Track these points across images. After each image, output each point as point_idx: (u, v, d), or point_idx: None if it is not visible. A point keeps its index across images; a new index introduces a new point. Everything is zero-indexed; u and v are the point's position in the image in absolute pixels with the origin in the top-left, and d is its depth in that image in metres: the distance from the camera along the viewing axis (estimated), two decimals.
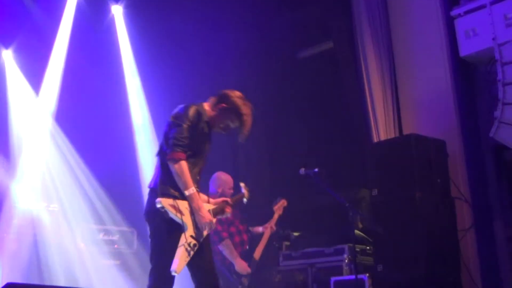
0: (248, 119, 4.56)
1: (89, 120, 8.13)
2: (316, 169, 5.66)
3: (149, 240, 4.39)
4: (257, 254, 6.64)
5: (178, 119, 4.39)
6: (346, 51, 7.82)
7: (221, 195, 6.08)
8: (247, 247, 6.64)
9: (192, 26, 8.72)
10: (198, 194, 4.42)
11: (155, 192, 4.38)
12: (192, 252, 4.26)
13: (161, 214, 4.25)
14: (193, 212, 4.32)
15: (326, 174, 5.88)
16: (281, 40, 9.06)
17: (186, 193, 4.27)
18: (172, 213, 4.24)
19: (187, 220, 4.30)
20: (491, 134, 6.53)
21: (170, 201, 4.26)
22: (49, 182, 7.90)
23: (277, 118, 9.19)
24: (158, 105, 8.55)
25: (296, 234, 7.92)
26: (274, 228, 6.84)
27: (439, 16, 7.08)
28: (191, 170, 4.34)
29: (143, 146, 8.67)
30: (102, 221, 7.78)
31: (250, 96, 9.51)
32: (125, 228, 7.75)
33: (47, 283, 6.72)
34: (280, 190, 8.69)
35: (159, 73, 8.70)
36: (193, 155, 4.39)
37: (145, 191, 8.42)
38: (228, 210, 4.77)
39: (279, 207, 6.95)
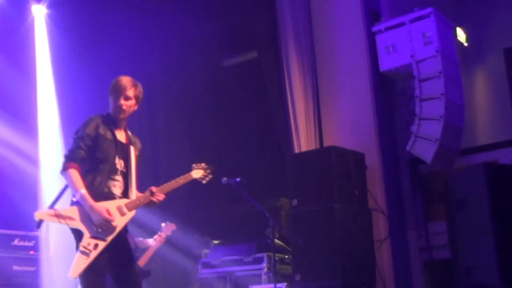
0: (122, 79, 4.65)
1: None
2: (238, 179, 5.68)
3: None
4: (141, 261, 6.77)
5: (75, 133, 4.60)
6: (270, 62, 7.88)
7: None
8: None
9: (116, 31, 8.60)
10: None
11: None
12: (93, 253, 4.26)
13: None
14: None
15: (247, 183, 5.91)
16: (205, 48, 9.07)
17: (77, 196, 4.36)
18: (57, 222, 4.31)
19: (78, 224, 4.34)
20: (407, 148, 6.74)
21: (50, 211, 4.35)
22: None
23: (200, 125, 9.19)
24: (71, 110, 8.32)
25: (215, 242, 7.93)
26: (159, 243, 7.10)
27: (361, 31, 7.24)
28: (97, 176, 4.48)
29: (46, 148, 8.36)
30: (17, 226, 7.56)
31: (173, 103, 9.51)
32: (40, 233, 7.55)
33: None
34: (200, 199, 8.70)
35: (77, 77, 8.51)
36: (100, 162, 4.51)
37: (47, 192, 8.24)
38: (156, 198, 4.65)
39: (168, 228, 7.16)
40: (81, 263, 4.21)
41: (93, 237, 4.30)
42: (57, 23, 8.55)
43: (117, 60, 8.62)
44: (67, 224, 4.28)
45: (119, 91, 4.59)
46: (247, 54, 9.09)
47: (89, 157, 4.49)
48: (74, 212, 4.36)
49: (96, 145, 4.49)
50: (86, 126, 4.52)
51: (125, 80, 4.64)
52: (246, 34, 8.78)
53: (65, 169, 4.42)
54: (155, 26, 8.59)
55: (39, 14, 8.58)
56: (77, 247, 4.30)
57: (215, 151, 8.96)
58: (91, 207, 4.31)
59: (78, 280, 4.26)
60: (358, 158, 6.64)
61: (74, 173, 4.38)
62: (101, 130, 4.54)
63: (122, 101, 4.58)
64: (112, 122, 4.64)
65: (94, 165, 4.49)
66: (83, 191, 4.34)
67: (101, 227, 4.32)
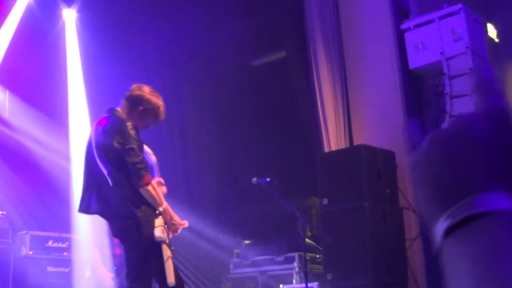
0: (163, 109, 4.56)
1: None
2: (268, 179, 5.70)
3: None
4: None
5: (125, 141, 4.25)
6: (298, 61, 7.90)
7: None
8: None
9: (145, 33, 8.68)
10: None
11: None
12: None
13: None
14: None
15: (277, 183, 5.93)
16: (234, 48, 9.09)
17: (160, 209, 4.26)
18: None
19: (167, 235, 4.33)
20: None
21: (161, 230, 4.25)
22: None
23: (229, 125, 9.22)
24: (102, 111, 8.38)
25: (247, 242, 7.96)
26: None
27: (390, 29, 7.21)
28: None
29: (78, 150, 8.41)
30: (50, 228, 7.67)
31: (202, 103, 9.55)
32: (74, 235, 7.65)
33: None
34: (231, 199, 8.73)
35: (107, 78, 8.59)
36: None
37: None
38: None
39: None
40: (172, 267, 4.23)
41: (168, 243, 4.30)
42: (87, 26, 8.67)
43: (146, 61, 8.70)
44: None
45: (157, 116, 4.51)
46: (276, 54, 9.10)
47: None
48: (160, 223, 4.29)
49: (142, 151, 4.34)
50: (130, 132, 4.26)
51: (163, 108, 4.55)
52: (274, 34, 8.80)
53: (146, 184, 4.17)
54: (183, 27, 8.65)
55: (70, 18, 8.70)
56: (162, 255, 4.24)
57: (244, 151, 8.99)
58: (172, 217, 4.35)
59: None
60: (388, 157, 6.61)
61: (154, 188, 4.23)
62: (139, 136, 4.38)
63: (152, 124, 4.55)
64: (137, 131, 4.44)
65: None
66: (165, 204, 4.30)
67: (174, 233, 4.38)
